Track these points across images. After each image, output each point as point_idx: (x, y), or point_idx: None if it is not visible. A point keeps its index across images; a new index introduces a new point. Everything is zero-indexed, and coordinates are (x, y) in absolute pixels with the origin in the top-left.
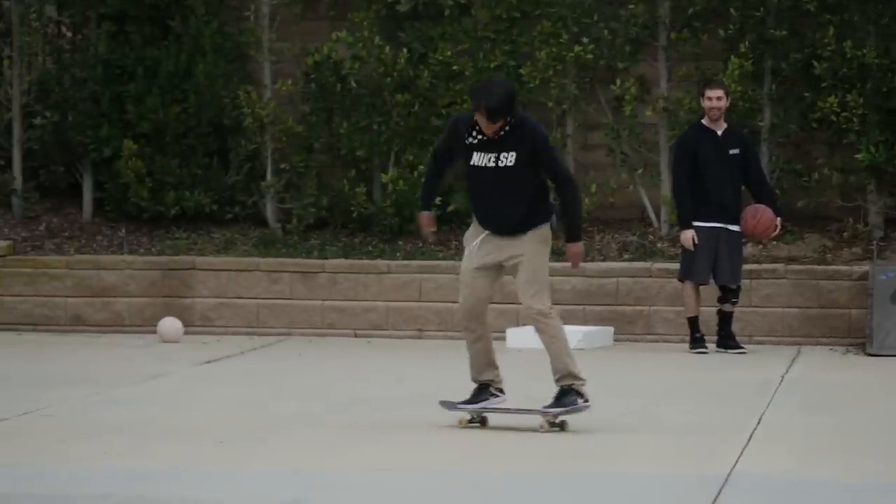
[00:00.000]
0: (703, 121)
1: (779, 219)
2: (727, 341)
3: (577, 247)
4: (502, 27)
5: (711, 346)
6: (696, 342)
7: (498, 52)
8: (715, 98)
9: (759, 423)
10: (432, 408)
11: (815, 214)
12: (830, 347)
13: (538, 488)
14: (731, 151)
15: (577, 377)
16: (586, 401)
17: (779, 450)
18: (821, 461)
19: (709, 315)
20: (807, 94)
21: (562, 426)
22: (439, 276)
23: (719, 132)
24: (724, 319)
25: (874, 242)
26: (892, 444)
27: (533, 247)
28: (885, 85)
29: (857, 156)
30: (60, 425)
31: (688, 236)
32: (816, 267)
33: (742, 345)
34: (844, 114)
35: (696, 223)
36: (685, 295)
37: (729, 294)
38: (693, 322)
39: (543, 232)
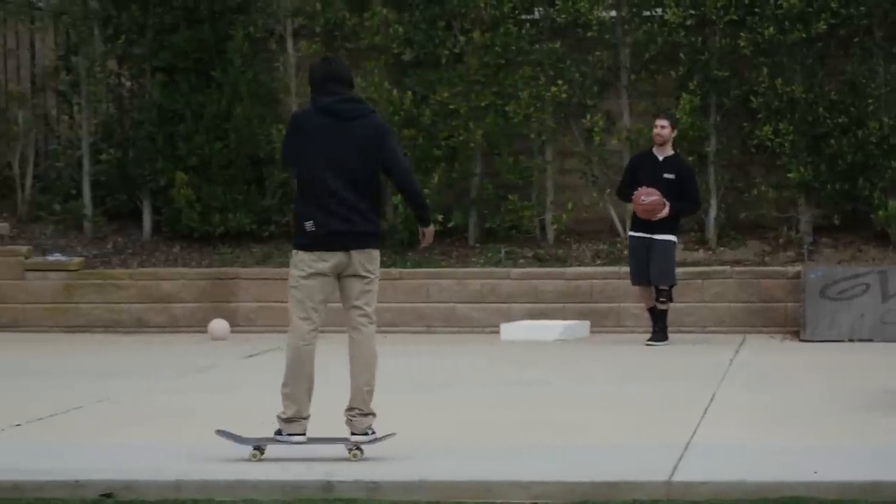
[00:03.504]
0: (654, 148)
1: (668, 207)
2: (656, 335)
3: None
4: (490, 72)
5: (673, 337)
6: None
7: (487, 92)
8: (659, 126)
9: (712, 399)
10: (443, 389)
11: (755, 224)
12: (770, 336)
13: (516, 458)
14: (666, 175)
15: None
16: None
17: (729, 421)
18: (765, 430)
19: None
20: (746, 124)
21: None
22: (443, 281)
23: (660, 158)
24: (654, 315)
25: (805, 247)
26: (821, 414)
27: None
28: (811, 115)
29: (789, 175)
30: (126, 411)
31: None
32: (757, 268)
33: (668, 337)
34: (777, 140)
35: (630, 233)
36: (637, 295)
37: (658, 294)
38: (650, 312)
39: None
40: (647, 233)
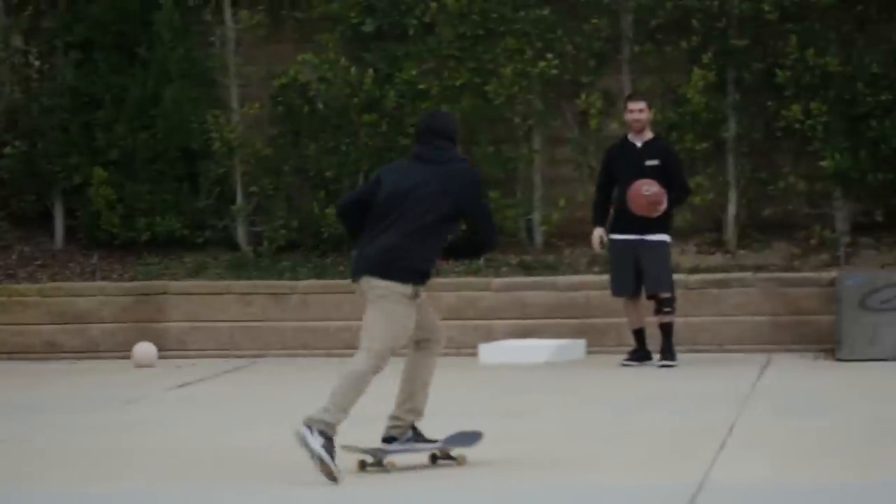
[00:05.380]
0: (629, 134)
1: (665, 204)
2: (665, 354)
3: None
4: (466, 45)
5: (685, 357)
6: (632, 353)
7: (463, 69)
8: (636, 110)
9: (730, 430)
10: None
11: (782, 222)
12: (801, 354)
13: (504, 501)
14: (648, 163)
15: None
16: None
17: (751, 456)
18: (794, 466)
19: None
20: (770, 103)
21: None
22: None
23: (639, 144)
24: (663, 331)
25: (841, 249)
26: (863, 447)
27: None
28: (848, 92)
29: (822, 163)
30: (39, 452)
31: (594, 235)
32: (784, 274)
33: (677, 358)
34: (808, 121)
35: (613, 235)
36: (623, 310)
37: (661, 304)
38: (635, 334)
39: None
40: (637, 234)
